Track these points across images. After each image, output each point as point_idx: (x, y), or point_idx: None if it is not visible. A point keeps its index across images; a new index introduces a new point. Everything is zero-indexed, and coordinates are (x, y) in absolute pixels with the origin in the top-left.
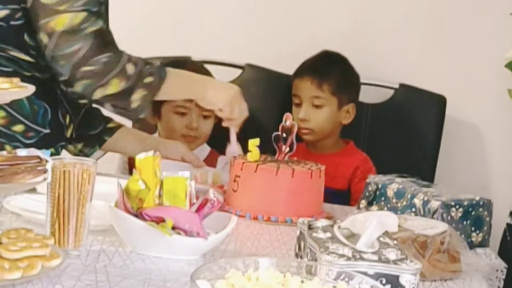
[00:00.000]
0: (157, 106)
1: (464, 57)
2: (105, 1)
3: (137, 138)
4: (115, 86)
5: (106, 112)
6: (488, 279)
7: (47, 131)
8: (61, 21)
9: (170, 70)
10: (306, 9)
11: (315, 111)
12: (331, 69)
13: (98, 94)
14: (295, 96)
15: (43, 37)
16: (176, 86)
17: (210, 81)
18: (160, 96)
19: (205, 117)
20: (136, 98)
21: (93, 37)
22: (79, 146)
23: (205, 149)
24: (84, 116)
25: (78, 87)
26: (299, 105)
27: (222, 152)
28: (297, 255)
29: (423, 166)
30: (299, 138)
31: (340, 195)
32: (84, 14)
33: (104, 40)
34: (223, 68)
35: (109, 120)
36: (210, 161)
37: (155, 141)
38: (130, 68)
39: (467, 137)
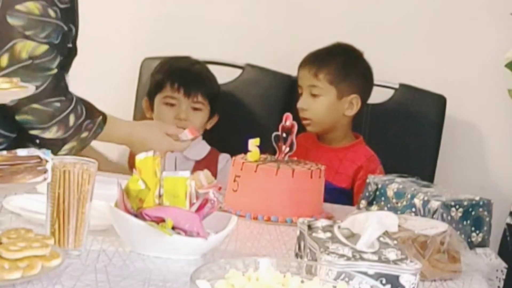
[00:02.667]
0: (151, 99)
1: (464, 57)
2: (72, 36)
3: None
4: (52, 133)
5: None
6: (488, 279)
7: (14, 135)
8: (26, 48)
9: (106, 126)
10: (306, 9)
11: (313, 100)
12: (329, 59)
13: (34, 132)
14: (298, 87)
15: (3, 58)
16: (106, 136)
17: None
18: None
19: (195, 109)
20: (66, 147)
21: (51, 78)
22: None
23: (205, 148)
24: None
25: (19, 117)
26: (301, 94)
27: (223, 150)
28: (297, 255)
29: (423, 166)
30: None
31: (344, 193)
32: (46, 47)
33: (59, 84)
34: (223, 68)
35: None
36: (211, 160)
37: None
38: (72, 119)
39: (467, 137)
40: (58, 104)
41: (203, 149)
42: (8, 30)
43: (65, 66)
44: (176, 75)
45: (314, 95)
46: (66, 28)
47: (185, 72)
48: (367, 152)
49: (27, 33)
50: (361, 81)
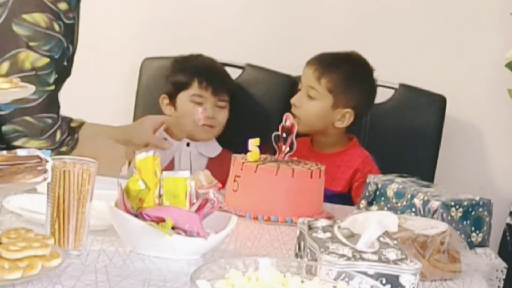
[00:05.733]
0: (172, 97)
1: (464, 57)
2: (70, 55)
3: (103, 133)
4: (38, 143)
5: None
6: (488, 279)
7: None
8: (29, 59)
9: (79, 142)
10: (306, 9)
11: (307, 101)
12: (337, 66)
13: (19, 142)
14: (300, 81)
15: (4, 65)
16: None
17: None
18: None
19: (219, 107)
20: None
21: (48, 94)
22: None
23: (217, 149)
24: None
25: (7, 128)
26: (299, 90)
27: (234, 150)
28: (297, 255)
29: (423, 166)
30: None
31: (340, 197)
32: (47, 60)
33: (53, 100)
34: None
35: (70, 119)
36: (224, 159)
37: (120, 132)
38: (58, 135)
39: (467, 137)
40: (49, 121)
41: (216, 147)
42: (12, 38)
43: (57, 84)
44: (204, 74)
45: (310, 96)
46: (66, 45)
47: (211, 71)
48: (362, 153)
49: (31, 44)
50: (361, 98)
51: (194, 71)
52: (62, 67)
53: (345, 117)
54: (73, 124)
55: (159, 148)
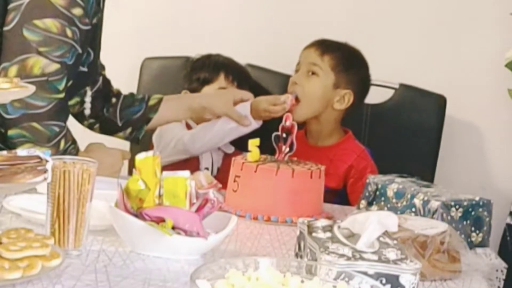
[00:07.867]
0: (195, 92)
1: (464, 57)
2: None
3: (181, 104)
4: (43, 151)
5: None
6: (488, 279)
7: None
8: (38, 64)
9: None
10: (306, 9)
11: (308, 78)
12: (338, 47)
13: (24, 147)
14: (297, 65)
15: (12, 69)
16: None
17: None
18: None
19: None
20: None
21: (57, 102)
22: (128, 131)
23: (229, 149)
24: (123, 103)
25: (13, 132)
26: (297, 72)
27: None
28: (297, 255)
29: (423, 166)
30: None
31: (334, 194)
32: (57, 65)
33: (62, 108)
34: None
35: (148, 98)
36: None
37: (199, 99)
38: (62, 144)
39: (467, 137)
40: (56, 129)
41: (227, 150)
42: (22, 43)
43: (78, 89)
44: (230, 69)
45: (311, 73)
46: (80, 51)
47: (235, 66)
48: (357, 148)
49: (41, 49)
50: (359, 83)
51: (219, 66)
52: (78, 72)
53: (344, 99)
54: (151, 102)
55: (237, 122)
